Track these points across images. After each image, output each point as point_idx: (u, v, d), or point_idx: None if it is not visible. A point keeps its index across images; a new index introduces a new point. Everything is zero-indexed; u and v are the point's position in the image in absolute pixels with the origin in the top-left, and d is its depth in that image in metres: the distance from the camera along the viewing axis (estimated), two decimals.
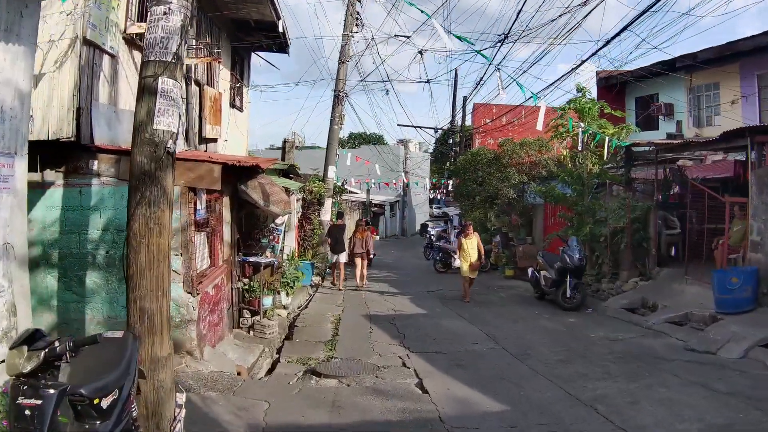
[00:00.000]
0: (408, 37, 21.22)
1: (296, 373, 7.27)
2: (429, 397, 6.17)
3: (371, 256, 20.45)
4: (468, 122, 33.74)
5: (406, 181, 31.37)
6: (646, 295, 11.77)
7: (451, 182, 28.58)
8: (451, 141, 34.32)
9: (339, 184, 24.03)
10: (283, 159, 17.13)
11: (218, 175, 6.42)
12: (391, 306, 12.15)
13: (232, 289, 9.05)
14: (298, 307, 12.39)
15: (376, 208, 40.59)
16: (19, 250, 4.67)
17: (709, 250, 11.45)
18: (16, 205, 4.66)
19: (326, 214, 19.33)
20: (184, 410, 4.15)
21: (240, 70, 17.05)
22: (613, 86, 20.27)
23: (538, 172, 16.72)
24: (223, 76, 14.81)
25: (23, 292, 4.77)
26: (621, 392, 6.47)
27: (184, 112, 11.61)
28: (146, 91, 4.24)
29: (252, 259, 9.01)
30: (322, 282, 16.83)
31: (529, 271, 13.29)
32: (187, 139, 11.23)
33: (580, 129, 12.43)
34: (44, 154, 6.60)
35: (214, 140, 13.08)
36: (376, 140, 41.10)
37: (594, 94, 21.99)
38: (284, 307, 11.29)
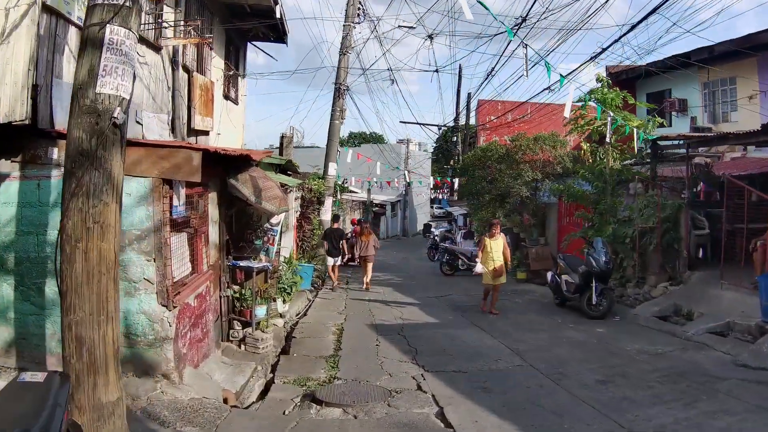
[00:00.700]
0: (413, 27, 20.13)
1: (293, 399, 6.17)
2: None
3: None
4: (472, 120, 32.69)
5: (407, 180, 30.23)
6: (678, 302, 10.69)
7: (456, 180, 27.46)
8: (455, 138, 33.21)
9: (340, 182, 22.96)
10: (281, 155, 16.05)
11: (198, 164, 5.33)
12: (398, 314, 11.06)
13: (220, 297, 7.97)
14: (297, 315, 11.30)
15: (377, 208, 39.55)
16: None
17: (744, 252, 10.38)
18: None
19: (326, 214, 18.23)
20: None
21: (235, 60, 15.98)
22: (623, 81, 19.38)
23: (552, 168, 15.63)
24: (216, 64, 13.74)
25: None
26: (680, 422, 5.43)
27: (170, 99, 10.56)
28: (89, 45, 3.16)
29: (243, 263, 7.92)
30: (322, 285, 15.74)
31: (548, 275, 12.19)
32: (173, 129, 10.17)
33: (609, 118, 11.33)
34: None
35: (206, 133, 11.99)
36: (376, 140, 39.99)
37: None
38: (281, 316, 10.20)
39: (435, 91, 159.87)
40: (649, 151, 13.09)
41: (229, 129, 14.54)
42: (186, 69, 11.24)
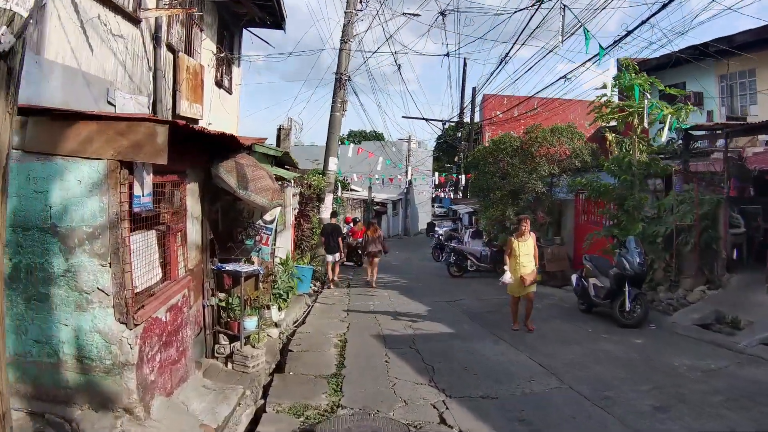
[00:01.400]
0: (417, 15, 18.98)
1: None
2: None
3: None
4: (477, 115, 31.54)
5: (410, 177, 29.08)
6: (720, 308, 9.56)
7: (463, 177, 26.29)
8: (459, 134, 32.05)
9: (341, 178, 21.80)
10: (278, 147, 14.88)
11: (163, 142, 4.17)
12: (407, 322, 9.89)
13: (203, 307, 6.80)
14: (294, 323, 10.15)
15: (378, 207, 38.46)
16: None
17: None
18: None
19: (327, 211, 17.08)
20: None
21: (229, 46, 14.82)
22: (635, 74, 18.19)
23: (570, 162, 14.46)
24: (207, 46, 12.57)
25: None
26: None
27: (151, 80, 9.40)
28: None
29: (229, 267, 6.75)
30: (323, 289, 14.59)
31: (573, 278, 11.03)
32: (155, 114, 9.02)
33: (646, 101, 10.18)
34: None
35: (194, 121, 10.82)
36: (377, 138, 38.88)
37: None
38: (276, 325, 9.04)
39: (438, 85, 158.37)
40: (680, 142, 11.93)
41: (221, 120, 13.38)
42: (171, 48, 10.10)
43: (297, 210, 15.91)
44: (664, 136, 10.76)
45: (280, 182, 13.99)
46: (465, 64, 30.50)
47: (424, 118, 29.55)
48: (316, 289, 14.54)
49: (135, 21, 8.53)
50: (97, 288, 4.36)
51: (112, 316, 4.46)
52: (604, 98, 11.76)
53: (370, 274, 15.15)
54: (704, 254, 10.55)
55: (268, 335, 8.49)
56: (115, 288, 4.42)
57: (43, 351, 4.51)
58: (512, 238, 9.49)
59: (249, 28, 15.34)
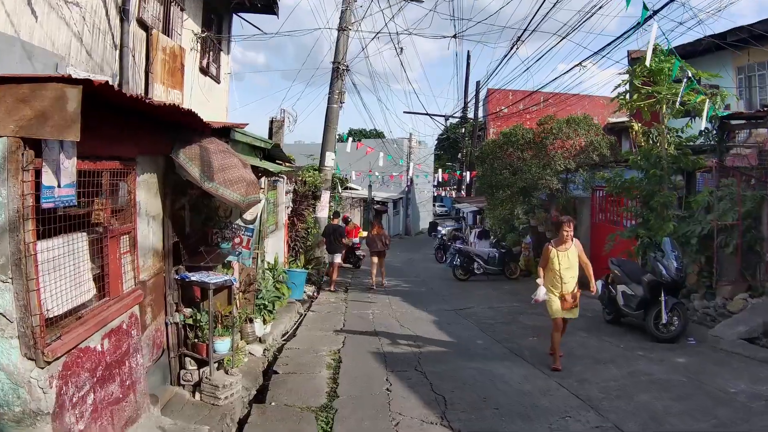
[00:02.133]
0: (421, 0, 17.77)
1: None
2: None
3: (362, 256, 17.52)
4: (481, 110, 30.33)
5: (411, 174, 27.89)
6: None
7: (468, 174, 25.09)
8: (463, 130, 30.86)
9: (339, 175, 20.60)
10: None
11: (75, 111, 2.97)
12: (411, 335, 8.70)
13: (167, 324, 5.62)
14: (283, 336, 8.96)
15: (378, 206, 37.26)
16: None
17: None
18: None
19: (323, 210, 15.90)
20: None
21: (217, 31, 13.65)
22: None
23: (587, 156, 13.27)
24: (189, 26, 11.38)
25: None
26: None
27: (117, 59, 8.20)
28: None
29: (195, 277, 5.55)
30: (318, 294, 13.40)
31: (598, 284, 9.79)
32: None
33: (685, 79, 8.98)
34: None
35: None
36: (377, 136, 37.69)
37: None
38: (260, 340, 7.86)
39: (440, 83, 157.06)
40: (714, 132, 10.73)
41: (207, 110, 12.14)
42: (143, 24, 8.91)
43: (290, 209, 14.73)
44: (704, 123, 9.54)
45: (273, 178, 12.84)
46: (469, 57, 29.44)
47: (426, 113, 28.35)
48: (310, 294, 13.37)
49: None
50: None
51: (18, 349, 3.28)
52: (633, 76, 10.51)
53: (374, 275, 14.58)
54: (745, 257, 9.36)
55: (249, 353, 7.32)
56: (19, 313, 3.23)
57: None
58: (550, 246, 7.19)
59: (239, 13, 14.19)
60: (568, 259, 7.11)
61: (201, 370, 5.74)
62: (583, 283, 7.44)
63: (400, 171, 34.92)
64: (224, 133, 7.16)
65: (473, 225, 24.07)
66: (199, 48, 12.11)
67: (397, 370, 6.70)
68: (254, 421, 5.29)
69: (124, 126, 4.33)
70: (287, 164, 14.18)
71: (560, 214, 14.24)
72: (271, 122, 15.35)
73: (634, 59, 18.25)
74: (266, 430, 5.06)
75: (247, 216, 6.84)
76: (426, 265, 21.53)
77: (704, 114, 9.45)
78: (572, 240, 7.23)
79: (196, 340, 5.65)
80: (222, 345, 5.69)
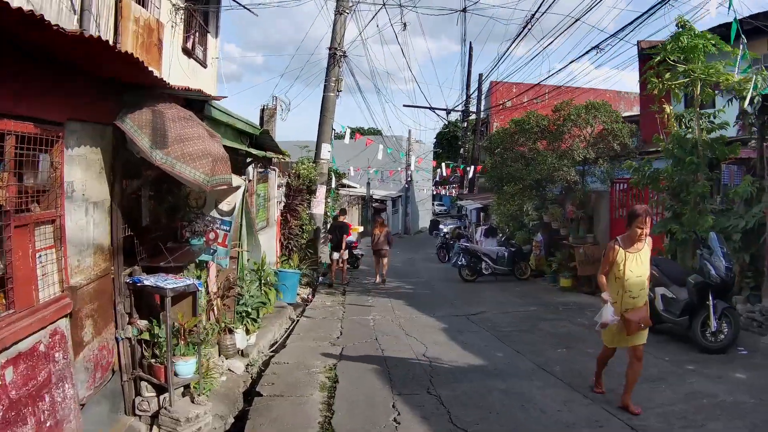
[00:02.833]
0: None
1: None
2: None
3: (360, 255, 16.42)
4: (483, 105, 29.18)
5: (413, 168, 26.74)
6: None
7: (472, 169, 23.94)
8: (465, 124, 29.69)
9: (336, 169, 19.42)
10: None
11: None
12: (419, 346, 7.51)
13: (118, 340, 4.44)
14: (271, 346, 7.79)
15: (377, 204, 36.11)
16: None
17: None
18: None
19: (319, 206, 14.70)
20: None
21: (203, 13, 12.51)
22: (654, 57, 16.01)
23: (607, 146, 12.09)
24: None
25: None
26: None
27: (77, 23, 7.03)
28: None
29: (148, 281, 4.37)
30: (313, 297, 12.22)
31: None
32: None
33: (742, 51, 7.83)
34: None
35: None
36: (376, 133, 36.55)
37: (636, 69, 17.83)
38: (242, 354, 6.69)
39: (441, 79, 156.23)
40: (755, 115, 9.58)
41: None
42: None
43: (283, 204, 13.56)
44: (746, 103, 8.40)
45: (263, 170, 11.66)
46: (471, 49, 28.14)
47: (428, 107, 27.19)
48: (305, 297, 12.19)
49: None
50: None
51: None
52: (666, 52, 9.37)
53: (377, 272, 14.68)
54: None
55: (228, 370, 6.14)
56: None
57: None
58: (616, 246, 5.13)
59: None
60: (640, 263, 5.05)
61: (161, 397, 4.57)
62: None
63: (399, 167, 33.78)
64: (198, 107, 5.99)
65: (478, 222, 22.90)
66: (181, 25, 10.94)
67: (405, 393, 5.52)
68: None
69: (43, 76, 3.17)
70: (282, 157, 13.03)
71: (577, 208, 13.11)
72: (262, 110, 14.16)
73: (644, 49, 17.22)
74: None
75: (224, 206, 5.67)
76: (428, 265, 20.37)
77: (748, 93, 8.31)
78: (645, 239, 5.11)
79: (153, 361, 4.47)
80: (185, 367, 4.51)
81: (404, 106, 59.81)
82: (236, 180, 5.28)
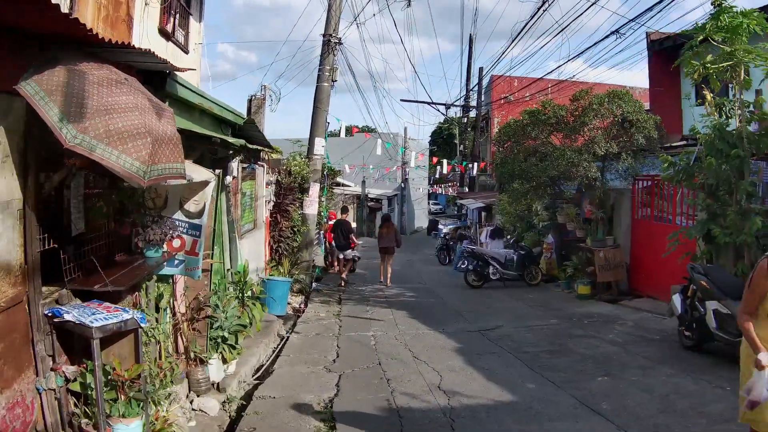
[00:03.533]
0: None
1: None
2: None
3: (356, 258, 15.34)
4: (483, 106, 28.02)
5: (412, 165, 25.57)
6: None
7: (474, 166, 22.78)
8: (465, 119, 28.52)
9: (331, 166, 18.18)
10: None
11: None
12: (432, 374, 6.31)
13: (40, 391, 3.22)
14: (256, 372, 6.58)
15: (372, 203, 34.93)
16: None
17: None
18: None
19: (312, 206, 13.48)
20: None
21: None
22: (666, 51, 14.74)
23: (629, 139, 10.93)
24: None
25: None
26: None
27: None
28: None
29: (70, 315, 3.14)
30: (305, 306, 11.02)
31: (676, 300, 7.44)
32: None
33: None
34: None
35: None
36: (372, 131, 35.35)
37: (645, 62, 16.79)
38: (218, 388, 5.46)
39: (440, 77, 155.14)
40: None
41: None
42: None
43: (273, 203, 12.34)
44: None
45: (249, 166, 10.37)
46: (471, 41, 26.97)
47: (426, 102, 26.00)
48: (297, 306, 10.99)
49: None
50: None
51: None
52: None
53: (382, 272, 14.42)
54: None
55: (200, 411, 4.93)
56: None
57: None
58: None
59: None
60: None
61: None
62: None
63: (396, 165, 32.62)
64: (158, 85, 4.77)
65: (480, 222, 21.73)
66: (158, 3, 9.68)
67: None
68: None
69: None
70: (270, 152, 11.81)
71: (596, 208, 11.94)
72: (250, 101, 12.93)
73: (654, 41, 16.10)
74: None
75: (190, 207, 4.45)
76: (428, 268, 19.21)
77: None
78: None
79: (85, 422, 3.25)
80: (126, 430, 3.29)
81: (402, 101, 58.58)
82: (201, 173, 4.09)
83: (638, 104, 11.29)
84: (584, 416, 4.99)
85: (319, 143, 13.73)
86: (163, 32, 9.97)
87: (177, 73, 5.30)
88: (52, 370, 3.30)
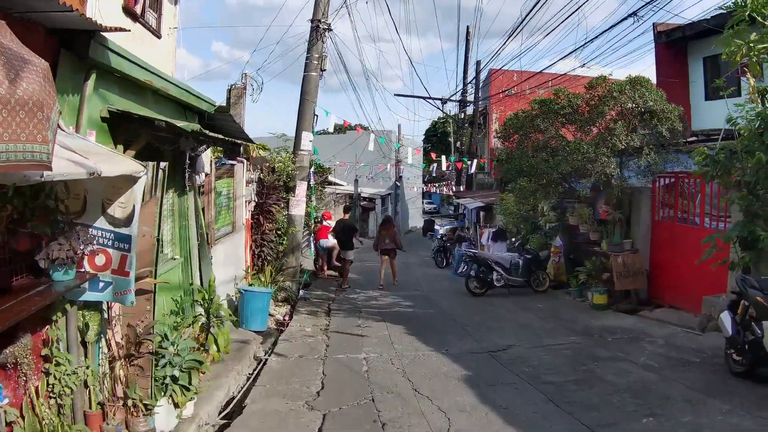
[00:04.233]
0: None
1: None
2: None
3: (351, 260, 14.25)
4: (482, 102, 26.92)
5: (410, 162, 24.42)
6: None
7: (474, 163, 21.66)
8: (462, 115, 27.41)
9: (320, 163, 16.98)
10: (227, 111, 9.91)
11: None
12: (437, 416, 5.15)
13: None
14: (224, 409, 5.42)
15: (365, 202, 33.75)
16: None
17: None
18: None
19: (298, 206, 12.29)
20: None
21: None
22: (672, 43, 14.09)
23: (651, 131, 9.83)
24: None
25: None
26: None
27: None
28: None
29: None
30: (290, 318, 9.85)
31: (725, 319, 6.29)
32: None
33: None
34: None
35: None
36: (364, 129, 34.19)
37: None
38: None
39: (438, 76, 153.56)
40: None
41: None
42: None
43: (254, 204, 11.15)
44: None
45: (226, 162, 9.13)
46: (468, 33, 25.84)
47: (421, 97, 24.87)
48: (280, 318, 9.83)
49: None
50: None
51: None
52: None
53: (382, 274, 13.99)
54: None
55: None
56: None
57: None
58: None
59: None
60: None
61: None
62: None
63: (389, 163, 31.45)
64: (83, 48, 3.61)
65: (479, 222, 20.60)
66: None
67: None
68: None
69: None
70: (254, 147, 10.64)
71: (613, 209, 10.82)
72: (229, 90, 11.72)
73: (660, 33, 15.08)
74: None
75: (116, 212, 3.28)
76: (425, 271, 18.08)
77: None
78: None
79: None
80: None
81: (396, 95, 57.37)
82: (120, 164, 2.93)
83: (660, 93, 10.18)
84: None
85: (307, 138, 12.54)
86: (128, 12, 8.78)
87: (113, 39, 4.13)
88: None
